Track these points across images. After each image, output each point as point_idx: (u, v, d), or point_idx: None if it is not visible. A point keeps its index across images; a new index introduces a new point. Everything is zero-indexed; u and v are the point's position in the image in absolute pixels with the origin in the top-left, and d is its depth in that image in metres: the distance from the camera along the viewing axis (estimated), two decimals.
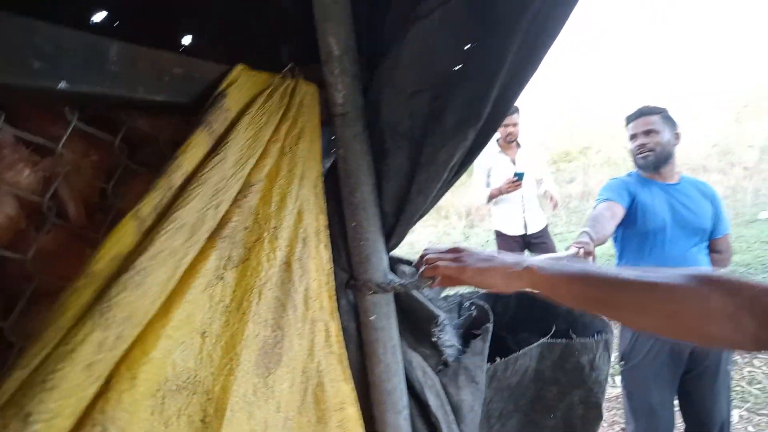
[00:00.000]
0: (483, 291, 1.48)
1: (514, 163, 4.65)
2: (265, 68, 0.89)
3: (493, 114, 1.03)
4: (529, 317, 1.59)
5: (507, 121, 4.54)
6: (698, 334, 0.72)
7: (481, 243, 8.72)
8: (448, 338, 1.21)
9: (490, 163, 4.69)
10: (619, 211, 2.37)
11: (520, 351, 1.35)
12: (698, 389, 2.37)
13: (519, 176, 4.30)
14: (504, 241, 4.72)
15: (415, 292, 1.11)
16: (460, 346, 1.24)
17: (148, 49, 0.60)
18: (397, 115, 1.03)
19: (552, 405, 1.45)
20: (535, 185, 4.71)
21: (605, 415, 3.77)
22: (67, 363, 0.45)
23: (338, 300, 1.09)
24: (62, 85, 0.46)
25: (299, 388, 0.77)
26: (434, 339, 1.15)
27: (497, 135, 4.70)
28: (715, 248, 2.48)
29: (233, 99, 0.68)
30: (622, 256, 2.57)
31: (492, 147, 4.74)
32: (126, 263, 0.50)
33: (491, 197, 4.57)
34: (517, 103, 4.69)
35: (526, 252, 4.76)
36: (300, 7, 1.07)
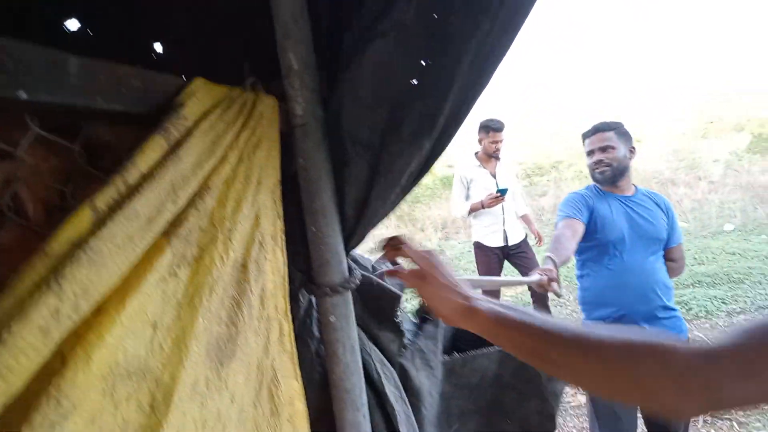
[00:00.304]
0: None
1: (494, 176, 4.77)
2: (228, 83, 0.94)
3: (447, 126, 1.10)
4: None
5: (496, 137, 4.69)
6: (634, 400, 0.68)
7: (456, 255, 8.82)
8: (406, 321, 1.28)
9: (470, 175, 4.79)
10: (579, 228, 2.46)
11: (479, 351, 1.41)
12: None
13: (502, 192, 4.40)
14: (483, 252, 4.80)
15: (375, 277, 1.17)
16: (415, 330, 1.31)
17: (107, 62, 0.64)
18: (358, 125, 1.09)
19: (509, 410, 1.51)
20: (512, 199, 4.82)
21: (575, 422, 3.86)
22: (22, 322, 0.48)
23: (299, 302, 1.14)
24: (21, 94, 0.51)
25: (254, 382, 0.81)
26: (397, 320, 1.21)
27: (478, 148, 4.84)
28: (670, 257, 2.58)
29: (191, 109, 0.73)
30: (583, 266, 2.65)
31: (471, 160, 4.85)
32: (80, 244, 0.53)
33: (472, 210, 4.65)
34: (501, 119, 4.75)
35: (506, 263, 4.87)
36: (262, 24, 1.12)
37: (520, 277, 3.51)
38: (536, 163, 13.05)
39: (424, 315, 1.41)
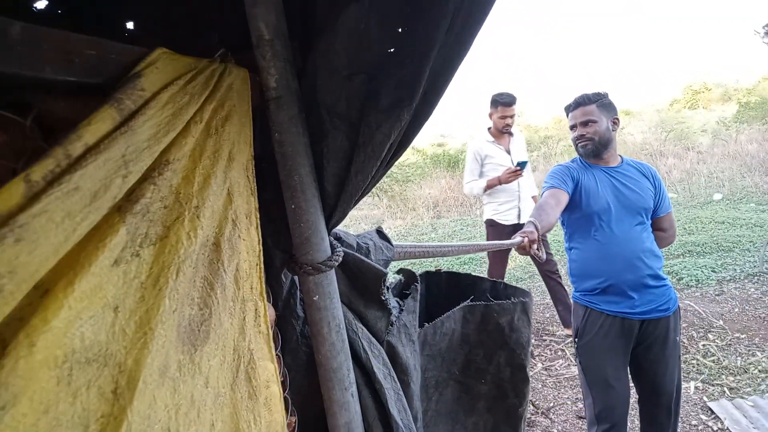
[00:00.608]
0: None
1: (508, 152, 4.60)
2: (196, 55, 0.90)
3: (426, 96, 1.06)
4: (458, 295, 1.65)
5: (505, 112, 4.49)
6: None
7: (447, 233, 8.82)
8: (391, 299, 1.26)
9: (484, 152, 4.60)
10: (563, 198, 2.45)
11: (445, 315, 1.41)
12: (649, 360, 2.47)
13: (522, 165, 4.26)
14: (496, 230, 4.62)
15: (360, 256, 1.14)
16: (399, 306, 1.30)
17: (55, 29, 0.60)
18: (334, 97, 1.05)
19: (481, 368, 1.51)
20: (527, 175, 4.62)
21: (570, 393, 3.90)
22: None
23: (281, 282, 1.11)
24: None
25: (231, 365, 0.78)
26: (383, 298, 1.19)
27: (490, 124, 4.66)
28: (659, 226, 2.58)
29: (149, 80, 0.68)
30: (571, 238, 2.65)
31: (483, 136, 4.68)
32: (7, 221, 0.48)
33: (489, 187, 4.49)
34: (514, 94, 4.56)
35: None
36: None
37: (501, 241, 3.47)
38: (526, 139, 13.01)
39: (404, 291, 1.39)
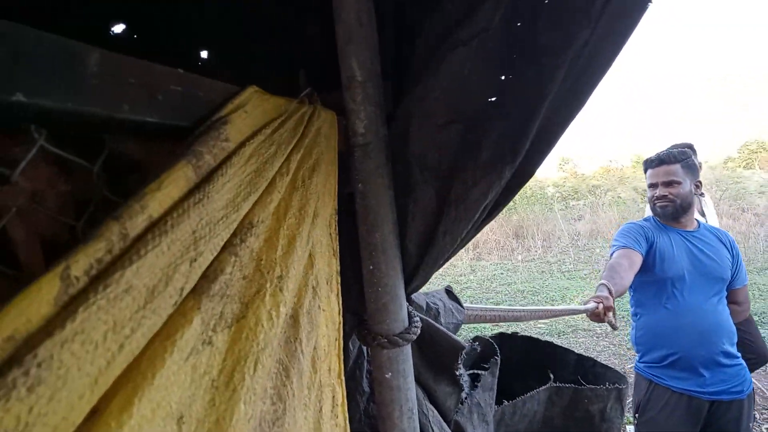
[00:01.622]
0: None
1: (702, 214, 3.85)
2: (280, 93, 0.79)
3: (532, 151, 0.92)
4: (537, 364, 1.49)
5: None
6: None
7: (487, 276, 8.57)
8: (464, 374, 1.11)
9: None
10: (637, 260, 2.28)
11: (528, 394, 1.25)
12: None
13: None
14: None
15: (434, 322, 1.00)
16: (471, 381, 1.14)
17: (139, 60, 0.49)
18: (425, 147, 0.93)
19: None
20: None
21: None
22: None
23: (348, 350, 0.97)
24: (18, 97, 0.35)
25: None
26: (457, 372, 1.04)
27: None
28: (734, 299, 2.39)
29: (236, 127, 0.56)
30: (638, 303, 2.46)
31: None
32: (22, 352, 0.33)
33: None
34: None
35: None
36: (320, 28, 0.98)
37: (573, 306, 3.20)
38: (572, 187, 12.71)
39: (482, 365, 1.23)
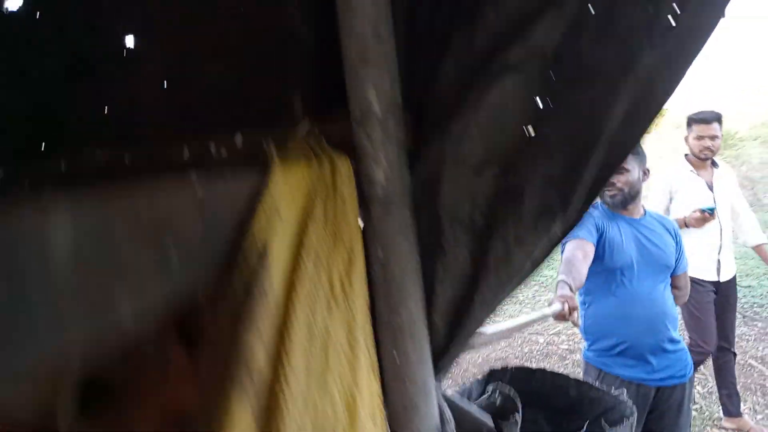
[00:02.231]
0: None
1: (710, 187, 3.45)
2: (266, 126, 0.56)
3: (587, 198, 0.74)
4: (540, 402, 1.39)
5: (704, 131, 3.42)
6: None
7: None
8: None
9: (678, 184, 3.52)
10: (590, 251, 2.26)
11: None
12: (662, 427, 2.32)
13: (709, 211, 3.26)
14: (693, 288, 3.03)
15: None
16: None
17: None
18: (458, 196, 0.73)
19: None
20: (732, 220, 3.55)
21: None
22: None
23: None
24: None
25: None
26: None
27: (688, 149, 3.57)
28: (675, 285, 2.46)
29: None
30: (587, 292, 2.45)
31: (681, 165, 3.58)
32: None
33: None
34: (716, 110, 3.62)
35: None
36: (314, 33, 0.73)
37: (537, 313, 3.03)
38: None
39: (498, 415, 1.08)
